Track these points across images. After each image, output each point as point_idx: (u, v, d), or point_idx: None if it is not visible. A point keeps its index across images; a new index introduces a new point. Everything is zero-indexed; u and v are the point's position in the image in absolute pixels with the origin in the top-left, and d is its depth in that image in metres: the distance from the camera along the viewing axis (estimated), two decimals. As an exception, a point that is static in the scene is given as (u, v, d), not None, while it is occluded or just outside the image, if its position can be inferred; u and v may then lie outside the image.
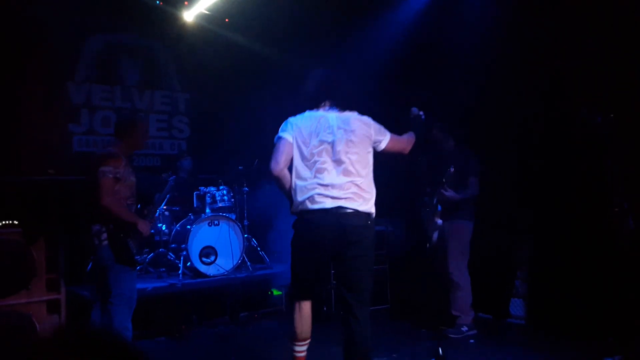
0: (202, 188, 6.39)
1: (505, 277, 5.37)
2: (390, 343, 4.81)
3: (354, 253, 3.26)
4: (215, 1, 6.66)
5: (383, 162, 5.44)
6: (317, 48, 6.27)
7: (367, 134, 3.38)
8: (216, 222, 6.13)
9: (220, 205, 6.28)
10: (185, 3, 6.92)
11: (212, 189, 6.36)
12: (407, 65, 5.99)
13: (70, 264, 4.99)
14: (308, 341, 3.52)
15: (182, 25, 7.11)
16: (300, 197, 3.24)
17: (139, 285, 5.48)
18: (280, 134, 3.35)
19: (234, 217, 6.36)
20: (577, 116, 4.39)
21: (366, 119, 3.46)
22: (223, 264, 6.05)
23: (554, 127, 4.90)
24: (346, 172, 3.24)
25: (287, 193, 3.34)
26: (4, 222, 4.16)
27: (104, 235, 3.80)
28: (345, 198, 3.21)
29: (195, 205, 6.43)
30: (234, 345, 4.91)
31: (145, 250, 4.00)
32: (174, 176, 5.80)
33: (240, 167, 6.68)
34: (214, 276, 5.94)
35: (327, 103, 3.45)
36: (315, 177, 3.23)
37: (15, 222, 4.20)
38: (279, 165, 3.29)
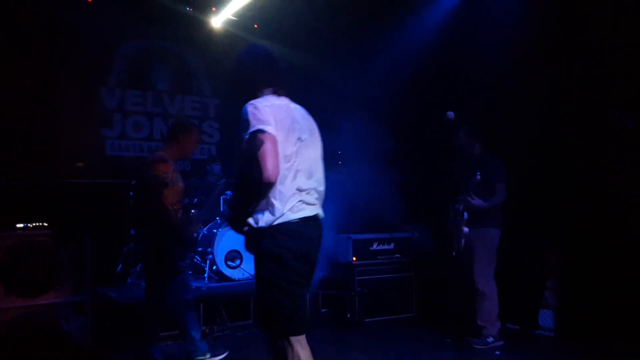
0: (229, 192, 6.44)
1: (534, 287, 5.21)
2: (414, 351, 4.74)
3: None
4: (242, 7, 6.73)
5: (409, 169, 5.43)
6: (344, 53, 6.27)
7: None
8: (242, 226, 6.16)
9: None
10: (213, 9, 7.01)
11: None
12: (435, 68, 5.92)
13: (98, 265, 5.11)
14: None
15: (211, 32, 7.23)
16: (281, 206, 2.49)
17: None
18: (263, 127, 2.49)
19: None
20: (607, 119, 4.25)
21: None
22: (248, 268, 6.07)
23: (587, 134, 4.75)
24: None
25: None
26: (33, 224, 4.27)
27: (148, 241, 3.86)
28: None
29: (222, 209, 6.49)
30: (258, 348, 4.90)
31: (190, 254, 4.07)
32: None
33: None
34: (239, 280, 5.98)
35: (282, 91, 2.75)
36: (296, 180, 2.56)
37: (45, 224, 4.31)
38: (278, 169, 2.47)
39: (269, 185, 2.45)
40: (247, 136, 2.55)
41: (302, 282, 2.56)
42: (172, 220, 3.75)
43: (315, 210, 2.63)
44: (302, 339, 2.55)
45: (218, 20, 7.12)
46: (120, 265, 5.87)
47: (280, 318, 2.50)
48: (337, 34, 6.67)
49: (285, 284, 2.49)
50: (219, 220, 6.33)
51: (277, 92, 2.73)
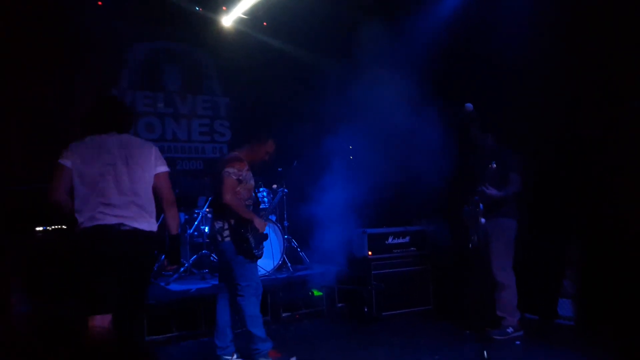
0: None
1: (553, 277, 5.19)
2: (433, 344, 4.73)
3: None
4: (252, 6, 6.74)
5: (423, 162, 5.41)
6: (354, 51, 6.25)
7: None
8: (257, 223, 6.19)
9: (260, 206, 6.34)
10: (224, 8, 7.03)
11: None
12: (447, 62, 5.89)
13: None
14: None
15: (221, 31, 7.25)
16: (81, 217, 3.35)
17: (183, 287, 5.63)
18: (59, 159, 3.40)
19: (274, 218, 6.41)
20: (630, 110, 4.21)
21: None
22: (264, 265, 6.10)
23: (602, 121, 4.71)
24: None
25: None
26: (53, 227, 4.31)
27: (226, 232, 4.16)
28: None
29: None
30: (276, 345, 4.93)
31: (262, 246, 4.29)
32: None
33: (279, 169, 6.73)
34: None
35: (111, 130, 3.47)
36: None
37: (64, 227, 4.34)
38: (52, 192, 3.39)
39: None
40: None
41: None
42: (244, 211, 4.14)
43: (118, 219, 3.24)
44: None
45: (228, 19, 7.14)
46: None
47: None
48: (347, 32, 6.65)
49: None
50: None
51: (105, 131, 3.42)
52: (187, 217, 6.47)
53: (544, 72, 5.10)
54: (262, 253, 4.27)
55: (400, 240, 6.03)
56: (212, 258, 6.23)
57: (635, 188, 4.41)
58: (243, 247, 4.13)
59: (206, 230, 6.37)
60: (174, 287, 5.71)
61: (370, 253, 5.82)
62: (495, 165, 4.40)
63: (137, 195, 3.32)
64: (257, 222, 4.22)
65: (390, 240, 5.99)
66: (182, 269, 6.11)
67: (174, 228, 3.48)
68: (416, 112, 5.31)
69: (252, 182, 4.33)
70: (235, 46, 7.32)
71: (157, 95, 7.47)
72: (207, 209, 6.45)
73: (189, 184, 6.84)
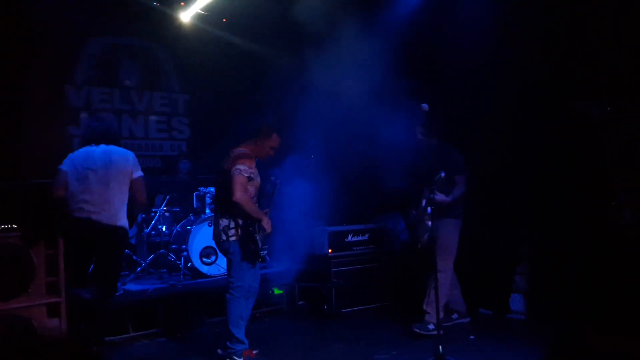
0: (202, 189, 6.40)
1: (505, 273, 5.36)
2: (391, 340, 4.82)
3: None
4: (211, 1, 6.66)
5: (382, 160, 5.47)
6: (313, 47, 6.26)
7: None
8: (216, 222, 6.14)
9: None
10: (182, 4, 6.92)
11: (212, 189, 6.36)
12: (401, 62, 5.95)
13: (72, 266, 5.01)
14: None
15: (179, 26, 7.12)
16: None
17: (141, 287, 5.53)
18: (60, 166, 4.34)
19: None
20: (574, 109, 4.38)
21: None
22: (224, 264, 6.03)
23: (551, 121, 4.88)
24: None
25: None
26: (3, 226, 4.16)
27: (232, 232, 4.11)
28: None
29: (195, 206, 6.44)
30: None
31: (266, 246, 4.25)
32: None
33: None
34: (214, 276, 5.96)
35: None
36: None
37: (14, 226, 4.21)
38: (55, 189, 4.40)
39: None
40: None
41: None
42: (253, 210, 4.10)
43: (92, 214, 4.15)
44: None
45: (187, 15, 7.02)
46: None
47: None
48: (305, 28, 6.65)
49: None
50: (192, 217, 6.29)
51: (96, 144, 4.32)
52: (143, 216, 6.36)
53: (495, 71, 5.22)
54: (265, 254, 4.26)
55: (360, 238, 6.10)
56: (169, 257, 6.15)
57: (583, 184, 4.60)
58: (250, 248, 4.09)
59: (163, 229, 6.27)
60: (131, 287, 5.62)
61: (330, 251, 5.86)
62: (444, 175, 4.36)
63: (112, 194, 4.18)
64: (266, 222, 4.16)
65: (350, 237, 6.06)
66: (138, 269, 6.01)
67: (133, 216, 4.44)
68: (376, 108, 5.34)
69: (259, 180, 4.30)
70: (193, 42, 7.20)
71: (114, 91, 7.30)
72: (165, 208, 6.36)
73: (147, 182, 6.68)
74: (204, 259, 5.98)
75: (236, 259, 4.15)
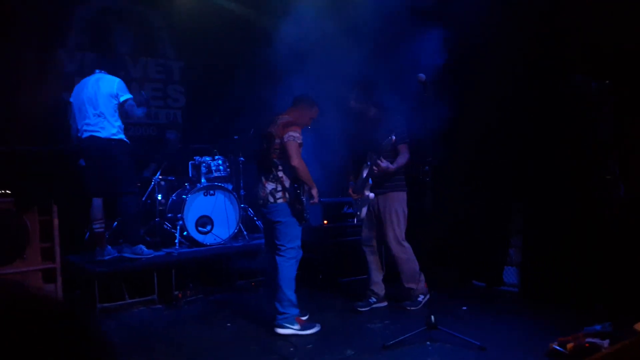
0: (197, 158, 6.37)
1: (499, 245, 5.39)
2: (384, 310, 4.88)
3: None
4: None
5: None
6: (309, 14, 6.11)
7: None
8: (212, 191, 6.14)
9: (215, 175, 6.27)
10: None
11: (208, 158, 6.34)
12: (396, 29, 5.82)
13: (67, 232, 5.02)
14: None
15: (175, -10, 6.96)
16: None
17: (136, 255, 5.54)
18: None
19: (230, 187, 6.36)
20: (571, 82, 4.34)
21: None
22: (219, 233, 6.08)
23: (546, 93, 4.84)
24: None
25: None
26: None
27: (279, 194, 4.23)
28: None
29: (190, 175, 6.42)
30: (230, 311, 4.96)
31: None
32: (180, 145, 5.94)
33: (235, 137, 6.65)
34: (210, 245, 5.99)
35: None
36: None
37: (8, 192, 4.19)
38: None
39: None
40: None
41: None
42: (309, 176, 4.25)
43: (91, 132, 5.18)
44: None
45: (181, -21, 6.86)
46: (87, 233, 5.78)
47: None
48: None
49: None
50: (187, 186, 6.27)
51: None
52: (139, 184, 6.32)
53: (492, 43, 5.13)
54: (309, 218, 4.34)
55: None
56: (165, 226, 6.15)
57: (579, 157, 4.59)
58: (297, 208, 4.21)
59: (159, 197, 6.25)
60: (128, 254, 5.61)
61: (325, 222, 5.87)
62: (394, 138, 4.27)
63: (102, 114, 5.09)
64: (315, 191, 4.30)
65: (345, 209, 6.06)
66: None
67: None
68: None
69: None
70: (190, 8, 7.05)
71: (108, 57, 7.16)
72: (160, 177, 6.33)
73: (143, 151, 6.64)
74: (200, 228, 6.00)
75: (285, 221, 4.25)
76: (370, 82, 4.83)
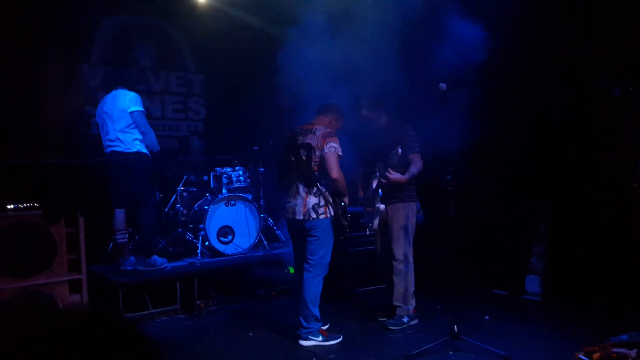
0: (218, 169, 6.45)
1: (521, 254, 5.35)
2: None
3: None
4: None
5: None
6: (329, 27, 6.17)
7: None
8: (233, 202, 6.20)
9: (236, 185, 6.33)
10: (196, -17, 6.87)
11: (228, 169, 6.40)
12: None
13: (90, 243, 5.11)
14: None
15: (195, 5, 7.09)
16: None
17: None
18: None
19: (250, 197, 6.41)
20: (596, 88, 4.31)
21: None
22: (240, 243, 6.13)
23: (572, 100, 4.81)
24: None
25: None
26: (24, 205, 4.24)
27: (322, 210, 4.10)
28: None
29: (212, 186, 6.50)
30: (252, 321, 5.00)
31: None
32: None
33: (255, 147, 6.71)
34: (231, 255, 6.04)
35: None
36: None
37: (36, 204, 4.29)
38: None
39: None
40: None
41: None
42: (345, 188, 4.17)
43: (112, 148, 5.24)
44: None
45: (202, -6, 6.98)
46: (111, 244, 5.88)
47: None
48: (320, 7, 6.55)
49: None
50: (209, 197, 6.34)
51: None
52: (161, 195, 6.43)
53: (514, 48, 5.10)
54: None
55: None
56: (187, 237, 6.22)
57: (603, 166, 4.55)
58: (342, 224, 4.12)
59: (181, 209, 6.33)
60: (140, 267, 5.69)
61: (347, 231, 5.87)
62: (401, 150, 4.16)
63: (120, 129, 5.14)
64: (347, 200, 4.23)
65: (362, 220, 6.05)
66: (159, 246, 6.09)
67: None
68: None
69: None
70: (209, 22, 7.17)
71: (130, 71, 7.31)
72: (182, 188, 6.41)
73: (165, 163, 6.74)
74: (221, 238, 6.05)
75: (323, 237, 4.15)
76: (379, 93, 4.74)
